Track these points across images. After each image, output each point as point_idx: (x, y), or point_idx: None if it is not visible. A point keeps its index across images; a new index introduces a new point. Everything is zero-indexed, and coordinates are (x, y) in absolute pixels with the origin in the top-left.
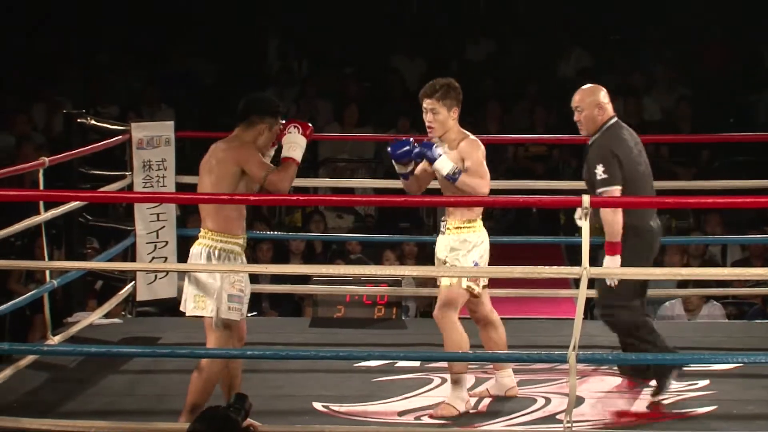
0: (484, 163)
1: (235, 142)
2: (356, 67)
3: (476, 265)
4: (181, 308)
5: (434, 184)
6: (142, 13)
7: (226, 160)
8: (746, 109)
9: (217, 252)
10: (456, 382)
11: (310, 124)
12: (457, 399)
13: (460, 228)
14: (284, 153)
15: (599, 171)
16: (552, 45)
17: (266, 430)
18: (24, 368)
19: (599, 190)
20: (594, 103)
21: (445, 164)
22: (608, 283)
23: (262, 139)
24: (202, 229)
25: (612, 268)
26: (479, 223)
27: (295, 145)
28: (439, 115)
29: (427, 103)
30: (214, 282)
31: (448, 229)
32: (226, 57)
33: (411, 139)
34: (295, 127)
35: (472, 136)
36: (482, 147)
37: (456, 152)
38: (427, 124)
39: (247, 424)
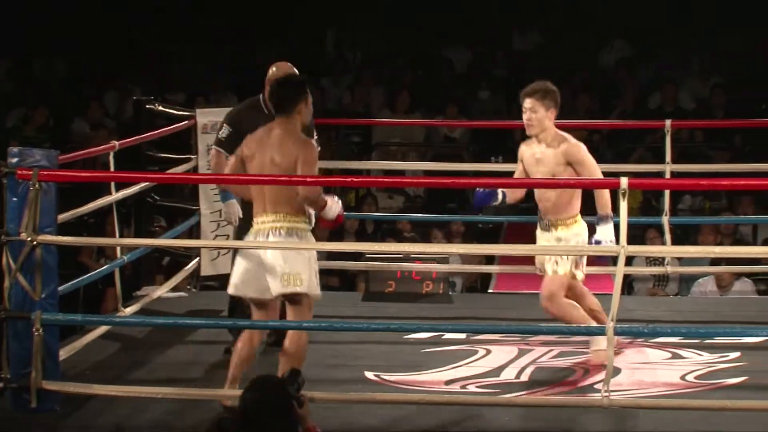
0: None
1: (293, 137)
2: (408, 57)
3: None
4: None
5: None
6: (211, 6)
7: (290, 155)
8: None
9: (296, 232)
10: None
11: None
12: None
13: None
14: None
15: None
16: (594, 36)
17: (321, 396)
18: (97, 338)
19: None
20: None
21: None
22: None
23: (305, 116)
24: (273, 213)
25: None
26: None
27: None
28: (537, 114)
29: (527, 103)
30: (305, 259)
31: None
32: (286, 47)
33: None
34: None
35: (572, 140)
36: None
37: (559, 153)
38: (525, 121)
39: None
